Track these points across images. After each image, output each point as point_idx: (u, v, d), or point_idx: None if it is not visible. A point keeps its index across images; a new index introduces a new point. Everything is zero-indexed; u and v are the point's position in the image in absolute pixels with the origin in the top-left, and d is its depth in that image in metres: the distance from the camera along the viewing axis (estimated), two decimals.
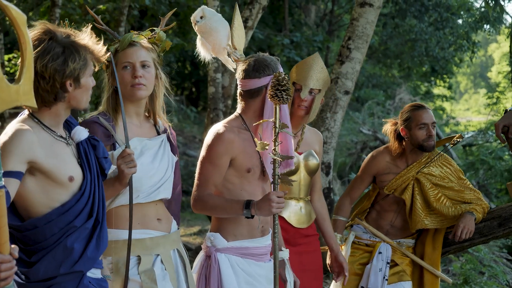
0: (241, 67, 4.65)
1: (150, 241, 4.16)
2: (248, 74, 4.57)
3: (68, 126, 3.70)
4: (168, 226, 4.31)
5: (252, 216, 4.42)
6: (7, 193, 3.17)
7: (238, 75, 4.64)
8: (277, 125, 4.37)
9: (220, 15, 4.84)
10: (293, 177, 5.27)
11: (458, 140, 5.95)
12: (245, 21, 9.84)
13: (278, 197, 4.33)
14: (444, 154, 5.95)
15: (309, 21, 23.26)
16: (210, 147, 4.53)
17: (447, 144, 6.05)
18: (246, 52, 5.20)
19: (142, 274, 4.08)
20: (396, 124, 5.94)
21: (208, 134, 4.61)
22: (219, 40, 4.77)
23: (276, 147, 4.37)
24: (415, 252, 5.89)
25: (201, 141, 19.72)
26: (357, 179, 6.08)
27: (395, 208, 5.88)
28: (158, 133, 4.37)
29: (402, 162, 5.90)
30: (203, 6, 4.81)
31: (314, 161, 5.43)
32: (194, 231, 13.33)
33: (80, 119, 4.16)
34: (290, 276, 4.92)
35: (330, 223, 5.65)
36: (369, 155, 6.11)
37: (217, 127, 4.59)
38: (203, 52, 4.83)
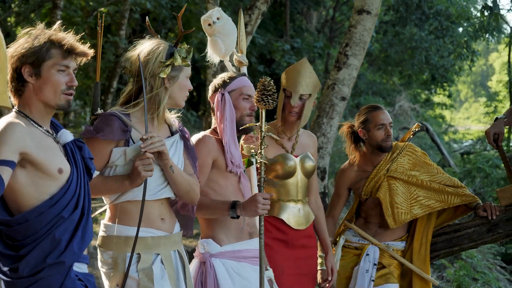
0: (210, 85, 5.01)
1: (152, 240, 4.20)
2: (210, 91, 4.98)
3: (55, 128, 3.76)
4: (171, 226, 4.35)
5: (238, 217, 4.56)
6: (1, 180, 3.28)
7: (208, 93, 5.02)
8: (263, 129, 4.53)
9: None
10: (291, 180, 5.40)
11: (417, 129, 6.04)
12: (244, 26, 9.81)
13: (264, 198, 4.50)
14: (408, 143, 6.03)
15: (310, 27, 23.27)
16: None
17: (408, 137, 6.11)
18: (247, 57, 5.33)
19: (140, 272, 4.12)
20: (352, 126, 6.01)
21: (192, 139, 4.76)
22: (233, 43, 4.93)
23: (262, 150, 4.51)
24: (404, 257, 5.91)
25: None
26: (334, 197, 6.16)
27: (378, 209, 5.91)
28: (172, 134, 4.42)
29: (368, 165, 5.98)
30: (218, 8, 4.93)
31: (310, 163, 5.51)
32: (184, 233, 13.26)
33: (100, 111, 4.24)
34: None
35: (325, 226, 5.74)
36: (338, 171, 6.19)
37: (198, 135, 4.86)
38: (213, 53, 4.96)
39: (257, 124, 4.63)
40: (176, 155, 4.34)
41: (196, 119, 23.55)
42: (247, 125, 4.79)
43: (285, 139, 5.49)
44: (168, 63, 4.21)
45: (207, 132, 4.92)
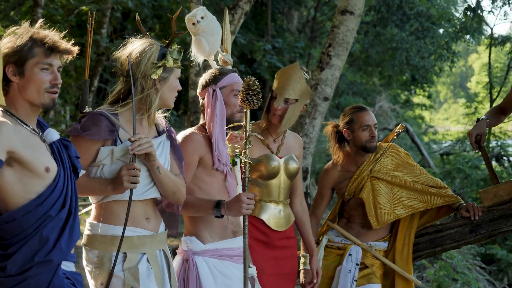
0: (200, 80, 4.98)
1: (138, 239, 4.20)
2: (200, 87, 4.96)
3: (41, 127, 3.75)
4: (157, 226, 4.35)
5: (222, 216, 4.57)
6: None
7: (198, 88, 4.98)
8: (247, 129, 4.54)
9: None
10: (273, 181, 5.40)
11: (401, 130, 6.09)
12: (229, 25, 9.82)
13: (248, 198, 4.51)
14: (392, 143, 6.06)
15: (292, 27, 23.30)
16: (182, 148, 4.67)
17: (392, 138, 6.12)
18: None
19: (126, 271, 4.12)
20: (337, 126, 6.02)
21: (177, 138, 4.74)
22: (218, 42, 4.92)
23: (247, 150, 4.52)
24: (387, 257, 5.93)
25: None
26: (317, 197, 6.16)
27: (361, 210, 5.93)
28: (159, 134, 4.42)
29: (352, 165, 6.00)
30: (202, 7, 4.90)
31: (294, 165, 5.51)
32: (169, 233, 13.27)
33: (89, 109, 4.23)
34: None
35: (310, 228, 5.73)
36: (322, 171, 6.19)
37: (185, 131, 4.84)
38: (197, 52, 4.94)
39: (241, 123, 4.64)
40: (163, 155, 4.34)
41: (176, 118, 23.48)
42: (232, 124, 4.78)
43: (270, 140, 5.48)
44: (160, 64, 4.20)
45: (194, 128, 4.90)
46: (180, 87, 4.38)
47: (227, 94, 4.86)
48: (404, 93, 33.03)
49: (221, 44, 5.12)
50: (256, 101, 4.52)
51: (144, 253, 4.22)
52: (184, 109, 25.11)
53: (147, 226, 4.27)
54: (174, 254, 4.84)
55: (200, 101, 4.95)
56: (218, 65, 5.15)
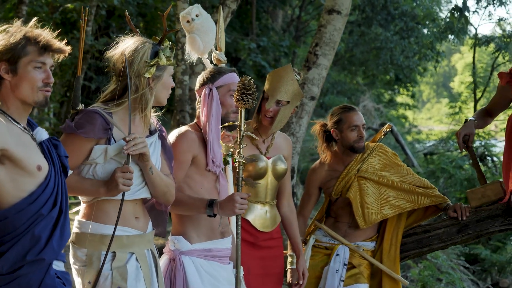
0: (199, 77, 4.92)
1: (127, 239, 4.18)
2: (198, 84, 4.91)
3: (30, 126, 3.73)
4: (145, 225, 4.33)
5: (214, 215, 4.54)
6: None
7: (196, 85, 4.86)
8: (242, 128, 4.52)
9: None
10: (261, 181, 5.38)
11: (388, 130, 6.08)
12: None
13: (241, 198, 4.49)
14: (379, 143, 6.06)
15: (276, 26, 23.28)
16: (174, 145, 4.65)
17: (379, 137, 6.13)
18: None
19: (114, 271, 4.09)
20: (325, 125, 6.01)
21: (171, 135, 4.74)
22: (212, 40, 4.88)
23: (241, 150, 4.50)
24: (374, 257, 5.93)
25: None
26: (304, 196, 6.15)
27: (348, 209, 5.92)
28: (151, 133, 4.39)
29: (339, 165, 5.99)
30: (197, 5, 4.87)
31: (282, 166, 5.50)
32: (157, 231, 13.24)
33: (81, 106, 4.20)
34: None
35: (297, 228, 5.72)
36: (309, 170, 6.18)
37: (180, 129, 4.79)
38: (191, 50, 4.91)
39: (236, 122, 4.62)
40: (154, 155, 4.32)
41: (160, 116, 23.37)
42: (227, 124, 4.75)
43: (260, 140, 5.46)
44: (153, 63, 4.18)
45: (189, 126, 4.87)
46: (173, 84, 4.36)
47: (223, 94, 4.83)
48: (387, 93, 33.14)
49: (215, 42, 5.10)
50: (251, 101, 4.50)
51: (133, 253, 4.20)
52: (168, 107, 25.03)
53: (136, 225, 4.25)
54: (160, 253, 4.82)
55: (197, 98, 4.92)
56: (212, 64, 5.11)
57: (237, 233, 4.56)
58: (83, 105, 4.22)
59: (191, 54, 4.93)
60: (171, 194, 4.38)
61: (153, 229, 4.44)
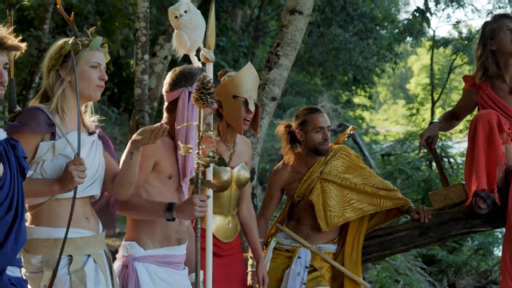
0: (165, 79, 4.75)
1: (81, 240, 4.09)
2: (168, 87, 4.68)
3: None
4: (96, 226, 4.25)
5: (173, 219, 4.45)
6: None
7: (165, 87, 4.72)
8: (201, 129, 4.41)
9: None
10: (224, 193, 5.31)
11: (351, 132, 6.11)
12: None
13: (201, 200, 4.37)
14: (342, 145, 6.05)
15: (235, 26, 23.28)
16: None
17: (343, 139, 6.13)
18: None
19: (73, 274, 4.00)
20: (289, 126, 5.97)
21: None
22: (201, 38, 4.75)
23: (200, 151, 4.40)
24: (336, 259, 5.91)
25: (122, 143, 19.33)
26: (266, 198, 6.11)
27: (311, 212, 5.88)
28: (90, 133, 4.29)
29: (302, 167, 5.95)
30: (187, 0, 4.75)
31: (245, 175, 5.43)
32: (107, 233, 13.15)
33: (19, 108, 4.11)
34: None
35: (257, 234, 5.65)
36: (272, 171, 6.15)
37: None
38: (177, 47, 4.77)
39: (194, 123, 4.51)
40: (97, 153, 4.24)
41: (117, 116, 23.33)
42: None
43: (223, 148, 5.37)
44: (55, 53, 4.10)
45: None
46: (102, 76, 4.20)
47: None
48: (345, 94, 33.34)
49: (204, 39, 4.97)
50: (211, 100, 4.37)
51: (89, 255, 4.12)
52: (125, 107, 24.96)
53: (88, 226, 4.17)
54: (114, 255, 4.74)
55: (166, 102, 4.78)
56: (200, 62, 4.96)
57: (196, 237, 4.45)
58: (20, 108, 4.13)
59: (178, 51, 4.79)
60: (130, 190, 4.34)
61: (103, 230, 4.35)
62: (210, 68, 4.87)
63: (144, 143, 4.13)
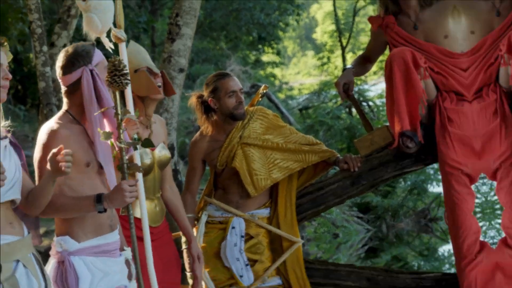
0: (57, 63, 4.46)
1: (8, 247, 3.91)
2: (63, 70, 4.38)
3: None
4: (21, 229, 4.07)
5: (105, 210, 4.27)
6: None
7: (57, 72, 4.45)
8: (119, 112, 4.25)
9: None
10: (149, 177, 5.14)
11: (265, 91, 6.01)
12: (68, 10, 9.75)
13: (130, 185, 4.22)
14: (258, 107, 5.98)
15: (131, 3, 23.03)
16: (46, 146, 4.26)
17: (257, 100, 6.04)
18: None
19: (5, 283, 3.84)
20: (201, 96, 5.84)
21: (40, 133, 4.34)
22: (111, 19, 4.53)
23: (121, 135, 4.25)
24: (271, 223, 5.84)
25: (34, 140, 19.11)
26: (189, 172, 6.00)
27: (236, 179, 5.79)
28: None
29: (220, 135, 5.84)
30: None
31: (166, 154, 5.29)
32: (40, 232, 12.99)
33: None
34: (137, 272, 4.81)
35: (184, 212, 5.52)
36: (191, 143, 6.05)
37: (50, 125, 4.35)
38: (89, 30, 4.53)
39: (111, 107, 4.31)
40: (12, 156, 4.04)
41: (25, 113, 22.94)
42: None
43: (141, 128, 5.15)
44: None
45: (60, 119, 4.40)
46: (4, 75, 3.94)
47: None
48: (252, 54, 33.41)
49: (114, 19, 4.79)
50: (125, 81, 4.23)
51: (18, 261, 3.95)
52: (32, 102, 24.54)
53: (12, 231, 3.98)
54: (44, 256, 4.56)
55: (64, 86, 4.51)
56: (110, 42, 4.74)
57: (130, 223, 4.34)
58: None
59: (89, 34, 4.56)
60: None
61: (29, 233, 4.17)
62: (123, 47, 4.65)
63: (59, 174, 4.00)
